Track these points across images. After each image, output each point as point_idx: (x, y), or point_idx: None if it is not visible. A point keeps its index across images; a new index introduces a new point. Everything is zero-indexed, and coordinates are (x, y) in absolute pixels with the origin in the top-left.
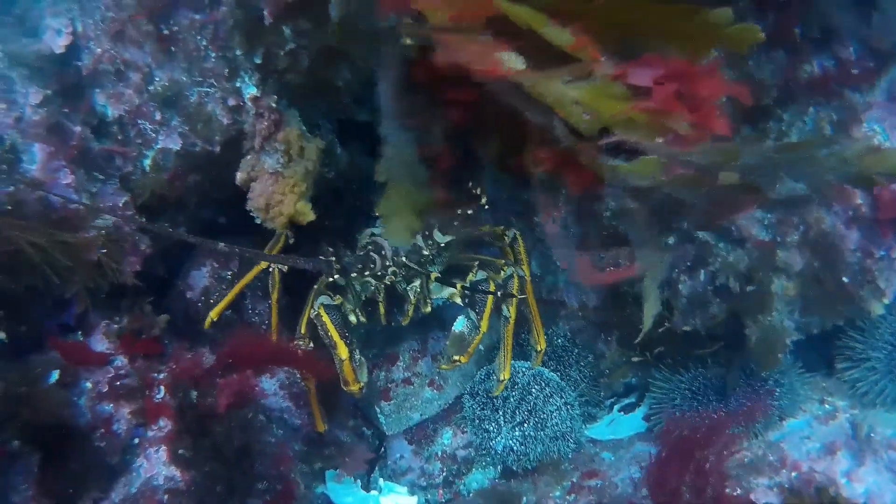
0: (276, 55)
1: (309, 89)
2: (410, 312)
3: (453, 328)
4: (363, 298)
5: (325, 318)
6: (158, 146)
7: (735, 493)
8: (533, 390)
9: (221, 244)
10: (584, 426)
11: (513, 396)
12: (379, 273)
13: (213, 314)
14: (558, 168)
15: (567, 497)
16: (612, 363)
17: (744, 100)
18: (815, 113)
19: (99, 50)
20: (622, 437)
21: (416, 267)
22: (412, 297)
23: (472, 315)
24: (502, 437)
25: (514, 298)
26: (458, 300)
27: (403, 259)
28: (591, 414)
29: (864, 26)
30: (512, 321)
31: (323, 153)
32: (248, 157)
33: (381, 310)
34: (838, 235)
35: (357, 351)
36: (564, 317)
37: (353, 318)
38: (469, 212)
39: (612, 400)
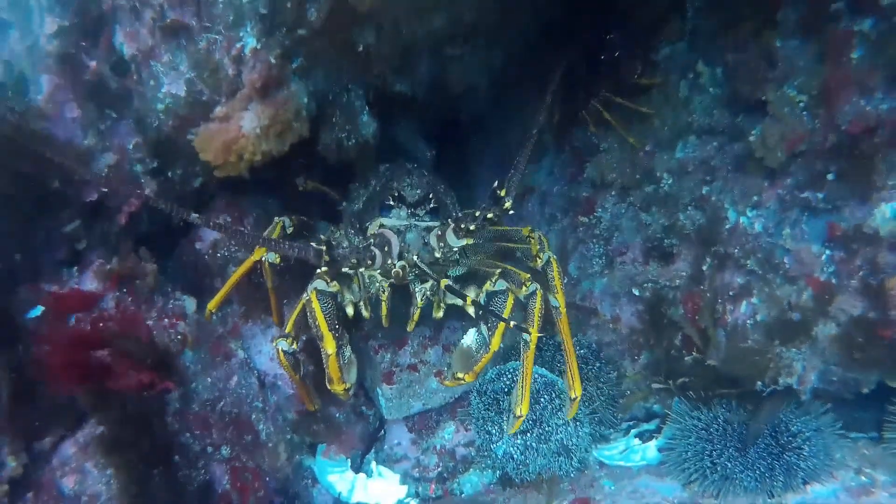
0: (283, 7)
1: (329, 51)
2: (416, 317)
3: (462, 341)
4: (370, 293)
5: (316, 305)
6: (165, 90)
7: None
8: (542, 400)
9: (213, 221)
10: (593, 446)
11: None
12: (378, 270)
13: (210, 306)
14: None
15: None
16: (634, 384)
17: None
18: None
19: None
20: (632, 464)
21: (424, 268)
22: (419, 300)
23: (484, 330)
24: (503, 443)
25: (535, 322)
26: (470, 310)
27: (414, 258)
28: (605, 435)
29: None
30: (532, 348)
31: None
32: (234, 101)
33: (384, 310)
34: None
35: (348, 348)
36: (595, 326)
37: (350, 311)
38: (489, 215)
39: (631, 424)
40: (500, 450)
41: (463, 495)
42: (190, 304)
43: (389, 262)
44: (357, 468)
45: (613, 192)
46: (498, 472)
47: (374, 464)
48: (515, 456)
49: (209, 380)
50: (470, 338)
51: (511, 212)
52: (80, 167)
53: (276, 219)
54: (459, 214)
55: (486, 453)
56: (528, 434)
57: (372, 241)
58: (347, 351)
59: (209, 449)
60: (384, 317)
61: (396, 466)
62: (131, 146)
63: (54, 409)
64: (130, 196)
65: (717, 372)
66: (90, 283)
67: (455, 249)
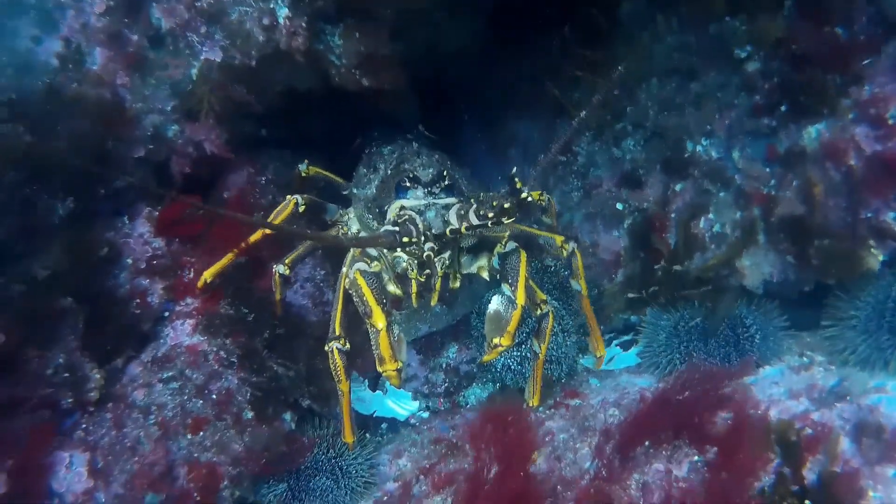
0: None
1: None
2: (438, 286)
3: (488, 309)
4: (396, 272)
5: (362, 282)
6: (203, 57)
7: None
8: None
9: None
10: (579, 355)
11: None
12: (414, 247)
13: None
14: None
15: (548, 412)
16: (612, 298)
17: None
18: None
19: None
20: (614, 368)
21: (451, 239)
22: (439, 270)
23: (507, 289)
24: (501, 356)
25: (546, 339)
26: (485, 275)
27: (434, 233)
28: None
29: None
30: (541, 359)
31: None
32: None
33: (414, 288)
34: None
35: (396, 326)
36: None
37: (391, 288)
38: (506, 205)
39: (612, 335)
40: (498, 363)
41: (468, 406)
42: None
43: (421, 238)
44: (374, 388)
45: (588, 133)
46: (497, 383)
47: (388, 383)
48: (513, 367)
49: None
50: (495, 303)
51: (529, 200)
52: (130, 128)
53: (289, 197)
54: (481, 197)
55: (486, 368)
56: (523, 346)
57: (406, 218)
58: (396, 329)
59: None
60: (414, 295)
61: (408, 385)
62: (169, 108)
63: (121, 333)
64: (181, 156)
65: (683, 277)
66: (142, 228)
67: (475, 225)
